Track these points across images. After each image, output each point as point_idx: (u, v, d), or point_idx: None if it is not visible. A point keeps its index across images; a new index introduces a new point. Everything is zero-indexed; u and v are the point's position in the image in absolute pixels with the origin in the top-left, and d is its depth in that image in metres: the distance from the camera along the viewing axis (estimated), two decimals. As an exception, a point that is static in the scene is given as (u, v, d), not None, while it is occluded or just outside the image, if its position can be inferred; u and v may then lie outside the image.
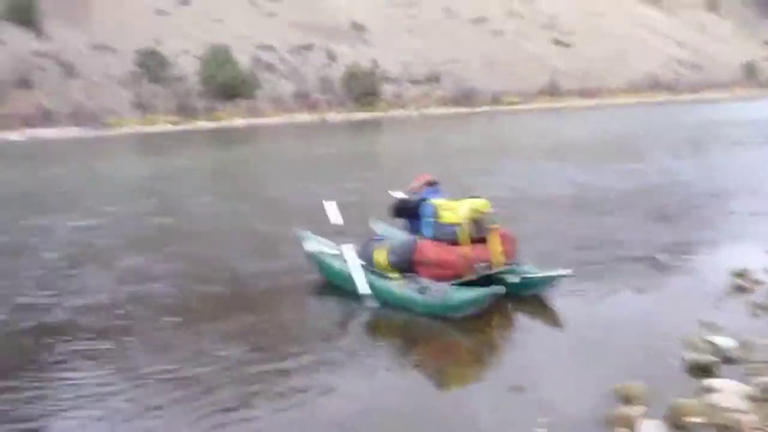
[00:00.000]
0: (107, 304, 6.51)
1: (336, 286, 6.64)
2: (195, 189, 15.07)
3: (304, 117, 46.57)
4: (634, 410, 3.88)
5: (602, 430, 3.79)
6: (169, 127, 41.82)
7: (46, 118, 40.99)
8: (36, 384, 4.75)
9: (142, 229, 10.45)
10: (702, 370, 4.38)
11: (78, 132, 39.24)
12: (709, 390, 4.04)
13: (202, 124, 43.09)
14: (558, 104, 54.00)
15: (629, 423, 3.76)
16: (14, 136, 37.21)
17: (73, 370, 4.99)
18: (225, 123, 43.80)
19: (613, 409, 3.95)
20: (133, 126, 41.55)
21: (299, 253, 7.33)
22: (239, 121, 44.41)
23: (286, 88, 51.11)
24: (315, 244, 7.05)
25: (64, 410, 4.38)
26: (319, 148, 24.48)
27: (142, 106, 45.02)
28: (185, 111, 45.15)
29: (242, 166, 21.16)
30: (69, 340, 5.60)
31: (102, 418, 4.24)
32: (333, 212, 6.82)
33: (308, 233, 7.37)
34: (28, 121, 39.93)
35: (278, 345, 5.31)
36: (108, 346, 5.42)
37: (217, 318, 5.98)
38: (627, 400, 4.06)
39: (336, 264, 6.59)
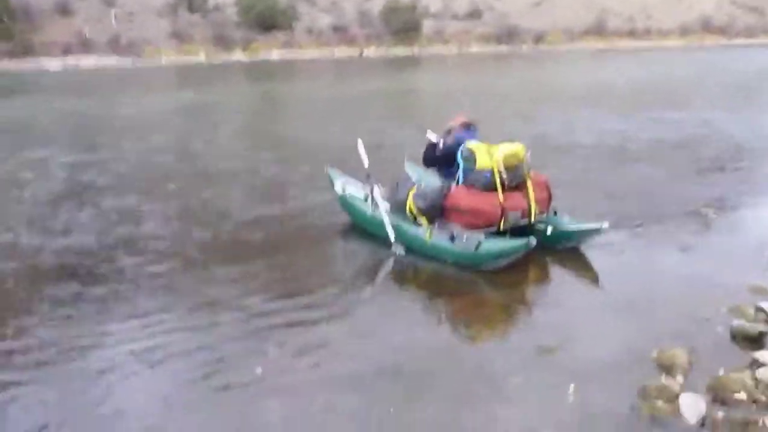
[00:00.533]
0: (99, 247, 6.26)
1: (363, 230, 6.40)
2: (217, 125, 14.66)
3: (342, 51, 45.69)
4: (673, 381, 3.62)
5: (637, 401, 3.53)
6: (205, 59, 41.46)
7: (85, 46, 40.90)
8: (22, 332, 4.48)
9: (146, 168, 10.10)
10: (750, 341, 4.07)
11: (115, 61, 39.13)
12: (757, 363, 3.74)
13: (238, 56, 42.60)
14: (604, 45, 52.06)
15: (668, 395, 3.50)
16: (51, 63, 37.28)
17: (64, 317, 4.73)
18: (261, 56, 43.22)
19: (650, 378, 3.68)
20: (170, 56, 41.26)
21: (322, 196, 7.11)
22: (275, 54, 43.78)
23: (325, 20, 50.03)
24: (345, 185, 6.78)
25: (53, 362, 4.10)
26: (355, 85, 23.97)
27: (179, 37, 44.57)
28: (222, 42, 44.61)
29: (272, 102, 20.80)
30: (57, 284, 5.34)
31: (98, 371, 3.98)
32: (364, 152, 6.51)
33: (339, 173, 7.10)
34: (66, 49, 39.90)
35: (295, 293, 5.09)
36: (100, 292, 5.16)
37: (228, 263, 5.74)
38: (666, 369, 3.78)
39: (366, 207, 6.33)
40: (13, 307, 4.94)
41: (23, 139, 13.20)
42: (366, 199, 6.38)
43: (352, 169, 7.06)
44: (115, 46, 41.67)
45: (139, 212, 7.41)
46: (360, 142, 6.62)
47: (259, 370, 3.94)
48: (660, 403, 3.45)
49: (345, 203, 6.67)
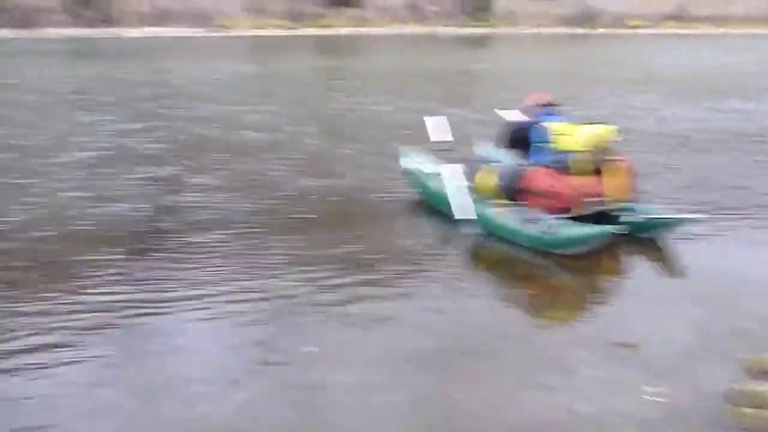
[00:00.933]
0: (146, 214, 6.22)
1: (433, 208, 6.22)
2: (274, 96, 14.52)
3: (413, 29, 45.25)
4: (763, 388, 3.34)
5: (722, 405, 3.27)
6: (276, 32, 41.73)
7: (161, 16, 41.71)
8: (68, 298, 4.43)
9: (196, 137, 10.03)
10: None
11: (189, 31, 39.79)
12: None
13: (309, 30, 42.71)
14: (685, 31, 49.95)
15: (758, 403, 3.23)
16: (128, 32, 38.21)
17: (113, 282, 4.66)
18: (331, 30, 43.23)
19: (739, 383, 3.41)
20: (243, 28, 41.71)
21: (381, 171, 6.99)
22: (346, 29, 43.69)
23: (398, -3, 49.56)
24: (414, 160, 6.61)
25: (106, 327, 4.04)
26: (424, 62, 23.64)
27: (253, 9, 44.97)
28: (293, 16, 44.81)
29: (336, 76, 20.59)
30: (103, 251, 5.25)
31: (153, 340, 3.94)
32: (439, 128, 6.28)
33: (409, 149, 6.93)
34: (143, 18, 40.83)
35: (355, 268, 4.95)
36: (149, 260, 5.09)
37: (281, 236, 5.60)
38: (755, 374, 3.50)
39: (435, 184, 6.14)
40: (60, 272, 4.89)
41: (80, 102, 13.49)
42: (435, 175, 6.19)
43: (415, 146, 6.91)
44: (190, 16, 42.36)
45: (187, 182, 7.38)
46: (428, 118, 6.43)
47: (314, 348, 3.83)
48: (749, 410, 3.19)
49: (413, 178, 6.51)
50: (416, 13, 48.40)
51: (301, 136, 10.06)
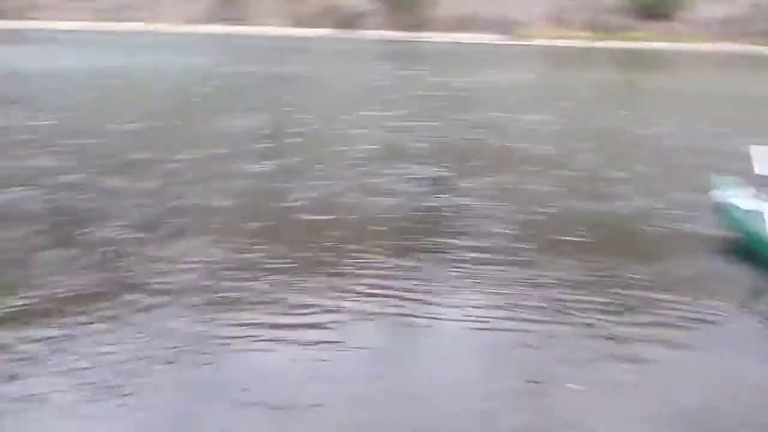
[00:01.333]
0: (407, 211, 6.41)
1: (746, 248, 5.44)
2: (551, 107, 14.02)
3: (732, 46, 40.85)
4: None
5: None
6: (577, 43, 40.77)
7: (469, 23, 43.35)
8: (334, 290, 4.61)
9: (464, 140, 10.16)
10: None
11: (490, 39, 40.79)
12: None
13: (613, 43, 40.94)
14: None
15: None
16: (436, 36, 40.56)
17: (376, 278, 4.80)
18: (635, 44, 40.91)
19: None
20: (544, 38, 41.49)
21: (677, 201, 6.60)
22: (654, 44, 41.02)
23: (715, 11, 45.22)
24: (731, 194, 5.75)
25: (382, 328, 4.20)
26: (737, 84, 21.06)
27: (555, 19, 44.52)
28: (597, 27, 43.39)
29: (629, 91, 19.24)
30: (369, 242, 5.47)
31: (420, 347, 3.99)
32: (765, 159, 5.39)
33: (726, 180, 6.03)
34: (452, 25, 42.93)
35: (641, 305, 4.56)
36: (410, 258, 5.17)
37: (556, 257, 5.32)
38: None
39: (755, 223, 5.29)
40: (332, 259, 5.14)
41: (369, 99, 14.62)
42: (758, 214, 5.30)
43: (726, 176, 6.11)
44: (494, 24, 43.36)
45: (452, 185, 7.43)
46: (755, 148, 5.55)
47: (578, 386, 3.59)
48: None
49: (727, 215, 5.68)
50: (737, 29, 43.72)
51: (575, 152, 9.58)
